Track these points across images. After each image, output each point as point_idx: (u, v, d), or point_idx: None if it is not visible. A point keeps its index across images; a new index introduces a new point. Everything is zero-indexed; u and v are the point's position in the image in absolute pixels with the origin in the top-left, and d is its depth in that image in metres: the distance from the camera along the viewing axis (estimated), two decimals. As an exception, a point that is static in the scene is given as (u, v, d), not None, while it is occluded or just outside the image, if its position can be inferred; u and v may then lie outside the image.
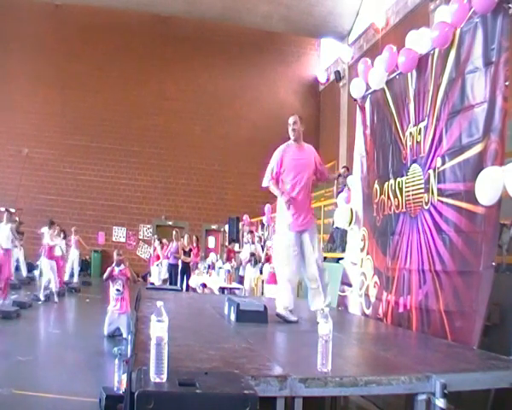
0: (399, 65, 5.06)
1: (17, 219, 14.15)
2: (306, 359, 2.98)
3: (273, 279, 9.12)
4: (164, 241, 15.34)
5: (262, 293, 9.65)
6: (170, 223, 19.56)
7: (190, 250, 13.77)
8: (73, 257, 15.39)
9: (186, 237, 14.19)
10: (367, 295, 5.56)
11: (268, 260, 9.43)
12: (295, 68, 21.26)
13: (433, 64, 4.64)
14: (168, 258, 14.05)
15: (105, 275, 8.13)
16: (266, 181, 4.94)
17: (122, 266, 8.05)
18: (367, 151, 5.99)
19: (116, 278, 7.95)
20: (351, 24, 17.66)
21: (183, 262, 13.59)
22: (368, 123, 6.02)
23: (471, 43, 4.09)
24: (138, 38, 19.51)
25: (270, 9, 17.53)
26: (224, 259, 14.16)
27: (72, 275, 15.24)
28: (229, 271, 11.33)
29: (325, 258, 9.61)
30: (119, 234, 19.90)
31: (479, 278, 3.76)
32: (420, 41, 4.82)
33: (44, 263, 11.65)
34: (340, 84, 18.13)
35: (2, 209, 16.24)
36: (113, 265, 8.06)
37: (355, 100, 6.27)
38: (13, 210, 14.38)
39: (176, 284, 13.06)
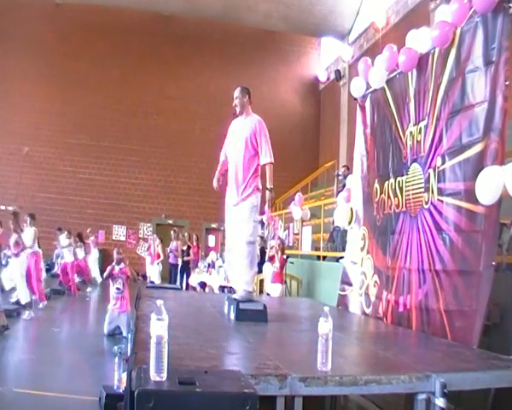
0: (400, 64, 5.06)
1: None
2: (306, 358, 2.98)
3: (277, 278, 9.08)
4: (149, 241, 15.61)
5: (261, 292, 9.63)
6: (170, 222, 19.55)
7: (189, 248, 13.77)
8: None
9: (185, 235, 14.22)
10: (367, 295, 5.56)
11: (271, 259, 9.40)
12: (295, 67, 21.22)
13: (433, 63, 4.64)
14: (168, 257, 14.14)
15: (105, 274, 8.14)
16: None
17: (122, 265, 8.05)
18: (367, 150, 5.99)
19: (116, 276, 7.95)
20: (351, 23, 17.65)
21: (183, 261, 13.61)
22: (368, 122, 6.02)
23: (471, 43, 4.09)
24: (138, 37, 19.47)
25: (270, 8, 17.52)
26: (224, 257, 14.14)
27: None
28: (229, 270, 11.31)
29: (325, 257, 9.65)
30: (119, 233, 19.89)
31: (479, 278, 3.76)
32: (420, 40, 4.82)
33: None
34: (341, 83, 18.11)
35: (3, 208, 16.28)
36: (114, 263, 8.06)
37: (355, 99, 6.27)
38: (11, 208, 14.35)
39: (175, 283, 13.07)
